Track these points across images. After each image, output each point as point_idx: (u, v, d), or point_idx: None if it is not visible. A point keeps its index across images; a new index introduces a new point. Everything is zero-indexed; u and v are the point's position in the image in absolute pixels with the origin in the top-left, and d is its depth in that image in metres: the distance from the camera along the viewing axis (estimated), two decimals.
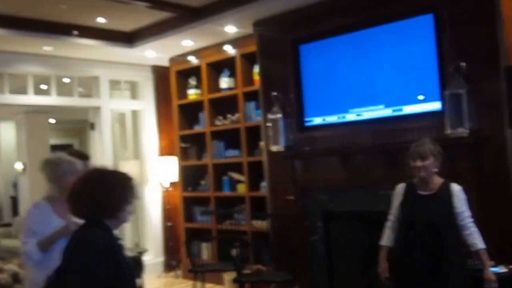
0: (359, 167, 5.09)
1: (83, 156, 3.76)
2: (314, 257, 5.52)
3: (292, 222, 5.57)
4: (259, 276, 5.33)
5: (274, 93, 5.68)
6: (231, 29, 6.11)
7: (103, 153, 7.16)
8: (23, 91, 6.64)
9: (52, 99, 6.83)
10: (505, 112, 4.26)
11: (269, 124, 5.71)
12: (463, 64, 4.38)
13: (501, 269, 3.99)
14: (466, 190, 3.67)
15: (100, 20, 6.08)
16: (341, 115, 5.32)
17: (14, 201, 11.12)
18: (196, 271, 5.75)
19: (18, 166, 10.50)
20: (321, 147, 5.41)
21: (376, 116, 5.05)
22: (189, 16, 5.96)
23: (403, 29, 4.87)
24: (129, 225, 7.92)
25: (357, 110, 5.18)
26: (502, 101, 4.27)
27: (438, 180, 3.60)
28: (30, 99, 6.62)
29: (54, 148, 10.45)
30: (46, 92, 6.93)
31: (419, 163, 3.51)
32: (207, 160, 6.91)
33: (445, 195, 3.52)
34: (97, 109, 7.20)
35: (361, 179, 5.03)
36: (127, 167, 7.58)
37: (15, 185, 11.03)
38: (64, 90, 7.07)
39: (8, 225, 10.03)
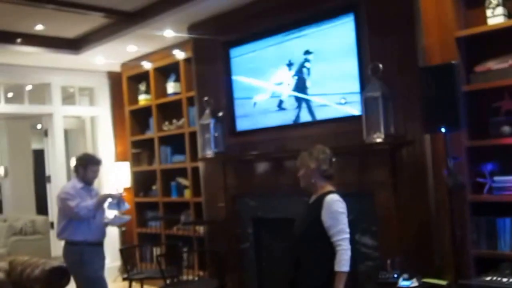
0: (288, 173, 4.68)
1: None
2: (245, 264, 5.17)
3: (224, 229, 5.25)
4: (184, 284, 4.92)
5: (205, 98, 5.28)
6: (169, 33, 5.73)
7: (55, 160, 6.80)
8: None
9: (2, 107, 6.50)
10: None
11: (201, 129, 5.37)
12: (379, 65, 3.96)
13: (413, 283, 3.58)
14: (387, 198, 3.63)
15: (39, 27, 5.75)
16: (268, 120, 4.92)
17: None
18: (131, 279, 5.37)
19: (0, 170, 10.28)
20: (251, 152, 5.02)
21: (303, 121, 4.68)
22: (125, 21, 5.60)
23: (328, 30, 4.47)
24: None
25: (282, 115, 4.80)
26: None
27: (324, 190, 3.19)
28: None
29: (37, 152, 10.21)
30: None
31: (299, 172, 3.25)
32: (156, 165, 6.57)
33: (316, 206, 3.10)
34: (49, 116, 6.87)
35: (289, 185, 4.58)
36: None
37: None
38: (15, 97, 6.79)
39: None
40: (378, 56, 4.02)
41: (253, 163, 5.02)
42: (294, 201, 4.52)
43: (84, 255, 4.26)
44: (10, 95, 6.95)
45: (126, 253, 5.77)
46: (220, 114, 5.27)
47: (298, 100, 4.70)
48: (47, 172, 6.92)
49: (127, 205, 4.41)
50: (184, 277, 5.29)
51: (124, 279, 5.52)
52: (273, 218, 4.86)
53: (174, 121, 6.35)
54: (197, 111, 5.59)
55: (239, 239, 5.18)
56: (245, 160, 5.08)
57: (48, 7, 5.06)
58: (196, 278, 5.55)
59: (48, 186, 6.93)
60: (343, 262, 2.97)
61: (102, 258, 4.41)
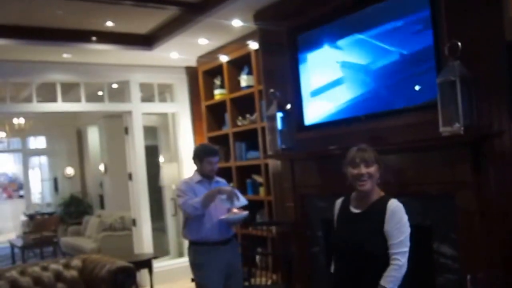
0: None
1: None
2: (315, 270, 4.74)
3: (293, 231, 4.85)
4: None
5: (271, 90, 4.85)
6: (236, 23, 5.36)
7: (135, 157, 6.71)
8: (53, 99, 6.39)
9: (82, 106, 6.50)
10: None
11: (267, 123, 4.97)
12: (458, 43, 3.29)
13: None
14: (469, 201, 3.24)
15: (109, 24, 5.63)
16: (339, 113, 4.41)
17: (102, 199, 11.23)
18: None
19: (101, 167, 10.58)
20: (320, 148, 4.53)
21: (371, 112, 4.10)
22: (192, 12, 5.31)
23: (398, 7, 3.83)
24: (172, 228, 7.48)
25: (354, 106, 4.27)
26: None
27: (376, 195, 2.76)
28: (59, 106, 6.32)
29: None
30: (75, 99, 6.63)
31: (363, 169, 2.70)
32: (231, 162, 6.28)
33: (377, 213, 2.67)
34: (129, 114, 6.78)
35: None
36: (165, 170, 7.15)
37: (101, 185, 11.12)
38: (95, 96, 6.78)
39: (79, 223, 10.07)
40: (457, 33, 3.36)
41: (321, 160, 4.55)
42: None
43: (196, 256, 3.96)
44: (100, 93, 6.94)
45: None
46: (288, 107, 4.81)
47: (367, 90, 4.11)
48: (128, 170, 6.83)
49: (243, 200, 3.85)
50: (257, 280, 4.96)
51: (193, 280, 5.22)
52: None
53: (248, 115, 6.03)
54: (265, 105, 5.18)
55: (309, 242, 4.77)
56: (314, 157, 4.63)
57: (121, 3, 4.90)
58: (269, 283, 5.15)
59: (130, 183, 6.84)
60: (392, 279, 2.56)
61: (218, 261, 3.91)
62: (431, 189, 3.59)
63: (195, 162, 4.07)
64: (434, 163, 3.55)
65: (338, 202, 2.91)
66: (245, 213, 4.00)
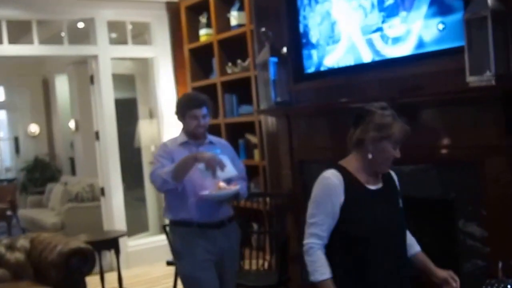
0: None
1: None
2: None
3: (289, 205, 4.80)
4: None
5: (263, 29, 4.74)
6: None
7: (102, 113, 6.63)
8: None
9: (34, 49, 6.37)
10: None
11: (258, 72, 4.90)
12: None
13: None
14: (501, 169, 3.23)
15: None
16: (344, 58, 4.31)
17: (73, 162, 11.23)
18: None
19: (72, 124, 10.53)
20: (323, 101, 4.51)
21: (380, 58, 4.02)
22: None
23: None
24: (151, 198, 7.47)
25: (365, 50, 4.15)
26: None
27: None
28: (4, 49, 6.20)
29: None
30: (27, 40, 6.51)
31: (398, 152, 2.68)
32: (220, 118, 6.24)
33: (392, 187, 2.82)
34: (94, 59, 6.66)
35: None
36: (142, 128, 7.08)
37: (72, 145, 11.11)
38: (58, 37, 6.66)
39: (41, 193, 10.09)
40: None
41: (327, 116, 4.51)
42: None
43: (176, 241, 3.74)
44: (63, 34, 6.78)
45: None
46: (284, 50, 4.71)
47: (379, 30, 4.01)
48: (95, 127, 6.77)
49: (230, 170, 3.54)
50: (248, 264, 4.95)
51: (168, 263, 5.22)
52: None
53: (239, 61, 5.92)
54: (256, 48, 5.10)
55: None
56: (317, 113, 4.57)
57: None
58: (265, 267, 5.15)
59: (96, 144, 6.78)
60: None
61: (205, 248, 3.64)
62: (454, 154, 3.52)
63: (178, 119, 3.77)
64: (459, 122, 3.46)
65: (335, 178, 2.67)
66: (235, 188, 3.62)
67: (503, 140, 3.25)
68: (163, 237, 6.27)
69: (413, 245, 2.83)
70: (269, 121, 5.06)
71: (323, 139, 4.52)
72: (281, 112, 4.76)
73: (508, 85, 3.16)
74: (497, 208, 3.34)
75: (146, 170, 7.33)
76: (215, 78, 6.29)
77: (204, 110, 3.68)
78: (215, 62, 6.24)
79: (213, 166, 3.40)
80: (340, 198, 2.62)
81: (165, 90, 7.07)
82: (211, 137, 3.83)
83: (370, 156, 2.64)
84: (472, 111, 3.38)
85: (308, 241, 2.64)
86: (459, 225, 3.59)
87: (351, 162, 2.71)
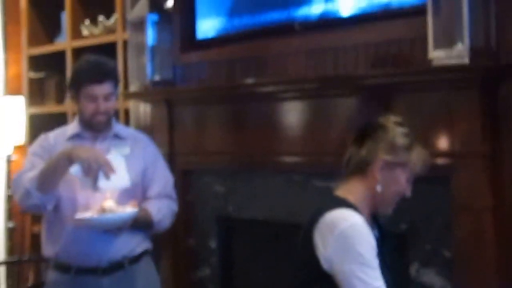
0: (293, 127, 4.34)
1: None
2: None
3: (167, 239, 4.90)
4: None
5: None
6: None
7: None
8: None
9: None
10: None
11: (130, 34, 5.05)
12: None
13: None
14: (474, 190, 3.38)
15: None
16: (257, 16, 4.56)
17: None
18: None
19: None
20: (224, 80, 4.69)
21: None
22: None
23: None
24: None
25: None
26: None
27: None
28: None
29: None
30: None
31: (409, 189, 2.93)
32: (67, 103, 6.36)
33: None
34: None
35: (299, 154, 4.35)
36: None
37: None
38: None
39: None
40: None
41: (224, 104, 4.69)
42: (309, 189, 4.23)
43: None
44: None
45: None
46: (169, 4, 4.86)
47: None
48: None
49: (121, 180, 3.49)
50: None
51: None
52: (259, 221, 4.63)
53: (101, 18, 6.02)
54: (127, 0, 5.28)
55: (193, 259, 4.96)
56: (213, 98, 4.74)
57: None
58: None
59: None
60: None
61: None
62: None
63: (71, 98, 3.84)
64: (414, 117, 3.51)
65: (365, 223, 2.79)
66: (128, 212, 3.53)
67: (478, 146, 3.39)
68: None
69: None
70: (141, 110, 5.18)
71: (221, 138, 4.64)
72: (160, 96, 4.87)
73: (488, 64, 3.34)
74: (467, 248, 3.46)
75: None
76: (64, 42, 6.34)
77: (108, 87, 3.63)
78: (66, 18, 6.30)
79: (92, 171, 3.33)
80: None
81: None
82: (119, 128, 3.85)
83: (379, 188, 2.75)
84: (434, 102, 3.52)
85: None
86: (411, 272, 3.71)
87: (356, 194, 2.80)
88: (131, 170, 3.53)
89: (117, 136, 3.75)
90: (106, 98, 3.59)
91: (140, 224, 3.58)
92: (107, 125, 3.71)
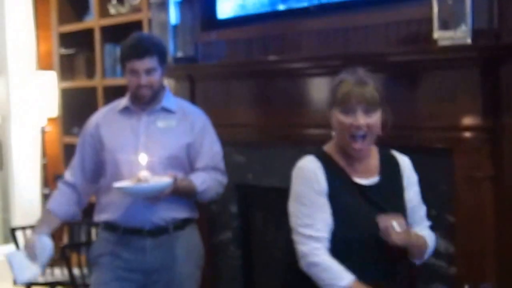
0: (308, 103, 4.39)
1: None
2: (223, 272, 5.11)
3: None
4: None
5: None
6: None
7: None
8: None
9: None
10: None
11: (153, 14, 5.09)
12: None
13: None
14: (476, 162, 3.46)
15: None
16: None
17: None
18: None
19: None
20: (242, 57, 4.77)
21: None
22: None
23: None
24: None
25: None
26: None
27: (374, 151, 3.09)
28: None
29: None
30: None
31: (361, 118, 2.89)
32: (97, 79, 6.39)
33: (394, 179, 3.05)
34: None
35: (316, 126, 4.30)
36: None
37: None
38: None
39: None
40: None
41: (247, 80, 4.72)
42: None
43: (92, 249, 3.96)
44: None
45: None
46: None
47: None
48: None
49: (161, 151, 3.65)
50: None
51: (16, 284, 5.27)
52: (276, 189, 4.55)
53: None
54: None
55: (214, 224, 5.03)
56: (233, 75, 4.79)
57: None
58: None
59: None
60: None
61: (125, 264, 3.74)
62: (412, 139, 3.74)
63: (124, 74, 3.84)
64: (420, 94, 3.67)
65: (316, 167, 2.93)
66: (163, 181, 3.53)
67: (480, 121, 3.46)
68: (10, 247, 6.28)
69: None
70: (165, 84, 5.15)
71: (242, 112, 4.72)
72: (183, 72, 4.91)
73: (490, 45, 3.40)
74: (469, 213, 3.55)
75: None
76: (92, 20, 6.38)
77: (149, 62, 3.63)
78: None
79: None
80: (322, 192, 2.90)
81: (19, 35, 7.09)
82: (169, 101, 3.81)
83: (333, 133, 2.96)
84: (438, 80, 3.59)
85: (304, 248, 2.83)
86: None
87: (331, 143, 3.01)
88: (174, 142, 3.62)
89: (164, 109, 3.75)
90: (148, 72, 3.59)
91: (182, 193, 3.59)
92: (154, 98, 3.71)
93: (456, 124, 3.55)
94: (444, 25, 3.45)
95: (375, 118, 2.88)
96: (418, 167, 3.63)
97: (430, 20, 3.53)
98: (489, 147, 3.48)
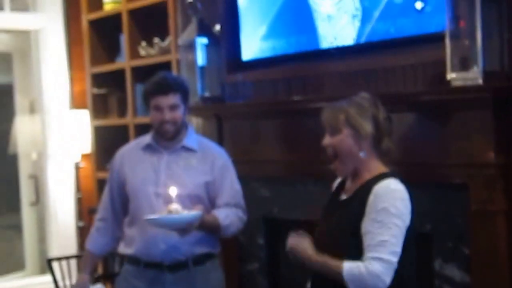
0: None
1: None
2: None
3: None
4: None
5: (190, 0, 4.94)
6: None
7: None
8: None
9: None
10: None
11: (181, 55, 5.15)
12: None
13: None
14: (491, 196, 3.42)
15: None
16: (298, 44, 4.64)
17: None
18: None
19: None
20: (267, 97, 4.81)
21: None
22: None
23: None
24: (31, 226, 7.53)
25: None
26: None
27: (370, 174, 3.03)
28: None
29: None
30: None
31: (326, 139, 3.09)
32: (129, 117, 6.45)
33: (358, 201, 2.97)
34: None
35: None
36: (20, 127, 7.11)
37: None
38: None
39: None
40: None
41: (271, 119, 4.74)
42: None
43: (116, 284, 4.09)
44: None
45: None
46: (216, 28, 4.95)
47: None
48: None
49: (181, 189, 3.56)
50: None
51: None
52: (301, 221, 4.37)
53: (157, 40, 6.08)
54: (180, 24, 5.37)
55: (242, 254, 5.04)
56: (258, 114, 4.81)
57: None
58: None
59: None
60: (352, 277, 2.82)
61: None
62: (429, 175, 3.75)
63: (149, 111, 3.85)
64: (436, 132, 3.72)
65: (336, 183, 3.27)
66: (193, 214, 3.47)
67: (493, 158, 3.48)
68: (46, 278, 6.34)
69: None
70: (194, 123, 5.18)
71: (267, 149, 4.74)
72: (210, 112, 4.95)
73: (501, 85, 3.42)
74: (483, 246, 3.57)
75: (25, 187, 7.39)
76: (124, 61, 6.42)
77: (173, 98, 3.67)
78: (124, 40, 6.36)
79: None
80: None
81: (54, 75, 7.10)
82: (190, 140, 3.81)
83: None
84: (453, 119, 3.63)
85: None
86: (435, 266, 3.82)
87: None
88: (193, 181, 3.65)
89: (185, 148, 3.76)
90: (172, 108, 3.62)
91: (207, 227, 3.56)
92: (176, 135, 3.73)
93: (471, 161, 3.56)
94: (457, 67, 3.47)
95: (337, 139, 3.00)
96: (435, 201, 3.74)
97: (444, 63, 3.55)
98: (502, 182, 3.48)
